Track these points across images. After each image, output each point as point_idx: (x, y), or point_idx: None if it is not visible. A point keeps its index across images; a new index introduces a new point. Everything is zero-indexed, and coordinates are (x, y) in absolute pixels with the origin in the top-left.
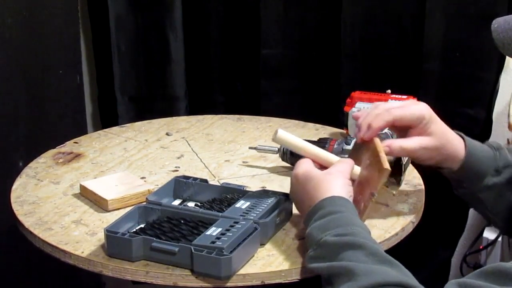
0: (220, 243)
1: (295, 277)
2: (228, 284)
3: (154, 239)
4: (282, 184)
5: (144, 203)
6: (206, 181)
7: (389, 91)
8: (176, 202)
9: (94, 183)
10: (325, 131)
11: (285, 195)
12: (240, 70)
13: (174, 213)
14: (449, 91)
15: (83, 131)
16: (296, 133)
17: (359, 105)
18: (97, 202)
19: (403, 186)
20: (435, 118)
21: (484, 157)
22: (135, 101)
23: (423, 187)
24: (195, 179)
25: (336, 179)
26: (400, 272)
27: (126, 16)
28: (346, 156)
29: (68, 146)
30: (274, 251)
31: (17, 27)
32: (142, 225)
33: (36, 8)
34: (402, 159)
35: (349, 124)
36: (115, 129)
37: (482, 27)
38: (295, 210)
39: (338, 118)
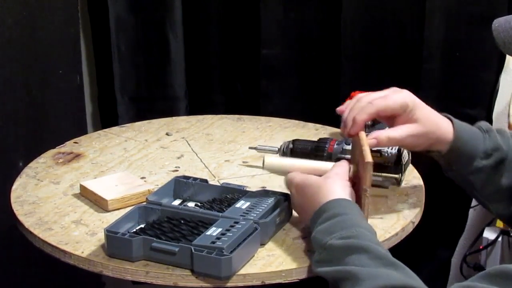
0: (220, 243)
1: (295, 277)
2: (228, 284)
3: (154, 239)
4: (282, 184)
5: (144, 203)
6: (206, 181)
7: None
8: (176, 202)
9: (94, 183)
10: (325, 131)
11: (285, 195)
12: (240, 70)
13: (174, 213)
14: (449, 91)
15: (83, 131)
16: (296, 133)
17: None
18: (97, 202)
19: (403, 186)
20: (419, 104)
21: (473, 139)
22: (135, 101)
23: (423, 187)
24: (195, 179)
25: (335, 182)
26: (404, 275)
27: (126, 16)
28: (348, 156)
29: (68, 146)
30: (274, 251)
31: (17, 27)
32: (142, 225)
33: (36, 8)
34: (402, 159)
35: None
36: (115, 129)
37: (482, 27)
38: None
39: (338, 118)
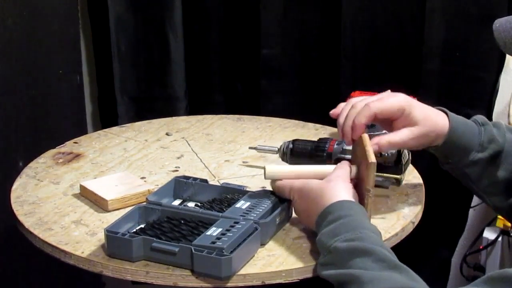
0: (220, 243)
1: (295, 277)
2: (229, 284)
3: (154, 239)
4: None
5: (144, 203)
6: (206, 181)
7: (389, 91)
8: (176, 202)
9: (94, 183)
10: (325, 131)
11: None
12: (240, 70)
13: (174, 213)
14: (449, 91)
15: (83, 131)
16: (296, 133)
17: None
18: (97, 202)
19: (403, 186)
20: (415, 105)
21: (468, 132)
22: (135, 101)
23: (423, 187)
24: (195, 179)
25: (337, 184)
26: (408, 278)
27: (126, 16)
28: (348, 156)
29: (68, 146)
30: (274, 251)
31: (17, 28)
32: (142, 225)
33: (36, 8)
34: (402, 159)
35: None
36: (115, 129)
37: (482, 27)
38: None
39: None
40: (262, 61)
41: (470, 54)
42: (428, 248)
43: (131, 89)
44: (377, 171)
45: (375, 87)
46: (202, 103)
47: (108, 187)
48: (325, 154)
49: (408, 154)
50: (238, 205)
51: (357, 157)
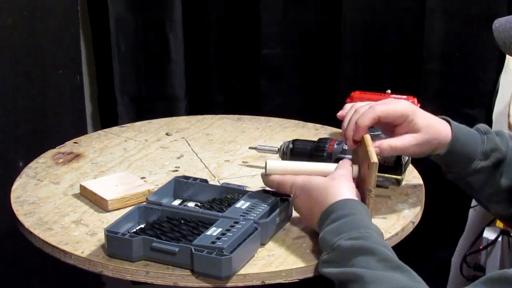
0: (221, 243)
1: (295, 277)
2: (229, 284)
3: (154, 239)
4: None
5: (144, 203)
6: (206, 181)
7: (389, 91)
8: (176, 202)
9: (94, 183)
10: (325, 131)
11: (285, 195)
12: (240, 70)
13: (174, 213)
14: (449, 91)
15: (83, 131)
16: (296, 133)
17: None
18: (97, 202)
19: (403, 186)
20: (418, 112)
21: (471, 140)
22: (135, 101)
23: (423, 187)
24: (195, 179)
25: (342, 182)
26: (410, 278)
27: (126, 16)
28: (348, 156)
29: (68, 146)
30: (274, 251)
31: (17, 27)
32: (142, 225)
33: (36, 8)
34: (402, 159)
35: None
36: (115, 129)
37: (482, 27)
38: (295, 211)
39: (338, 118)
40: (262, 61)
41: (470, 54)
42: (428, 248)
43: (131, 89)
44: (377, 171)
45: (375, 87)
46: (202, 103)
47: (108, 187)
48: (325, 154)
49: None
50: (238, 205)
51: (358, 157)
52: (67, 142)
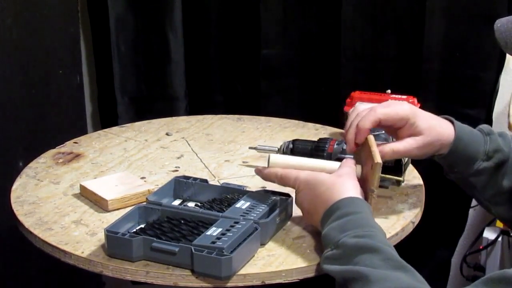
0: (221, 243)
1: (295, 277)
2: (229, 284)
3: (154, 239)
4: None
5: (144, 203)
6: (206, 181)
7: (389, 91)
8: (176, 202)
9: (94, 183)
10: (325, 131)
11: (285, 195)
12: (240, 70)
13: (174, 213)
14: (449, 91)
15: (83, 131)
16: (296, 133)
17: (358, 105)
18: (97, 202)
19: (403, 186)
20: (420, 114)
21: (474, 141)
22: (135, 101)
23: (423, 187)
24: (195, 179)
25: (348, 180)
26: (413, 279)
27: (126, 16)
28: (349, 155)
29: (68, 146)
30: (274, 251)
31: (17, 27)
32: (142, 225)
33: (36, 8)
34: (402, 159)
35: None
36: (115, 129)
37: (482, 27)
38: (295, 211)
39: (338, 118)
40: (262, 61)
41: (470, 54)
42: (428, 248)
43: (131, 89)
44: None
45: (375, 87)
46: (202, 103)
47: (108, 187)
48: (325, 154)
49: None
50: (238, 205)
51: (360, 157)
52: (67, 142)
